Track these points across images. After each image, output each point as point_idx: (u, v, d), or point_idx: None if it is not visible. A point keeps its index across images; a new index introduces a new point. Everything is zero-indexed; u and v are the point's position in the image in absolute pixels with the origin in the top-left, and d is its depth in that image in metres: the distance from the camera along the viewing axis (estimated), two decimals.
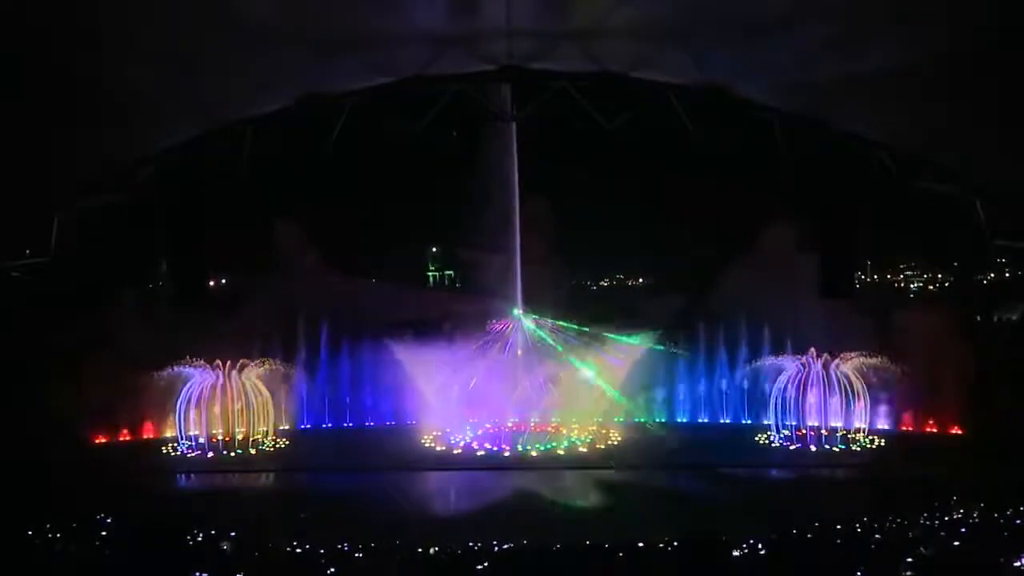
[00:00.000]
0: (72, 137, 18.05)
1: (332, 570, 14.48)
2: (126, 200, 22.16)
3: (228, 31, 15.66)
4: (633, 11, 16.95)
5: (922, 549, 14.21)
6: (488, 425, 34.53)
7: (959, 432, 33.29)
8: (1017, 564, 13.23)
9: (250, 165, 21.79)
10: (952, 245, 41.89)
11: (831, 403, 33.07)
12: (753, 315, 36.75)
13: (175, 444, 33.03)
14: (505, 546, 16.39)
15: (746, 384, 36.99)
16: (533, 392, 34.96)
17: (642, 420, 36.34)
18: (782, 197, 28.85)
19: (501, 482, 28.17)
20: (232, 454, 32.76)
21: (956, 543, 14.91)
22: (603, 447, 33.09)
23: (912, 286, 54.54)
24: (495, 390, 35.05)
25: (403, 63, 20.09)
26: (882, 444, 32.36)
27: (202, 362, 33.38)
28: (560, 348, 35.46)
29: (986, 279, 47.22)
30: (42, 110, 16.37)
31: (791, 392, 33.09)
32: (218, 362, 33.49)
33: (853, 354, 33.02)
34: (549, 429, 34.26)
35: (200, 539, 16.03)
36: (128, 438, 34.81)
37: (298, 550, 16.12)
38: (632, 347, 35.59)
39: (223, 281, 44.05)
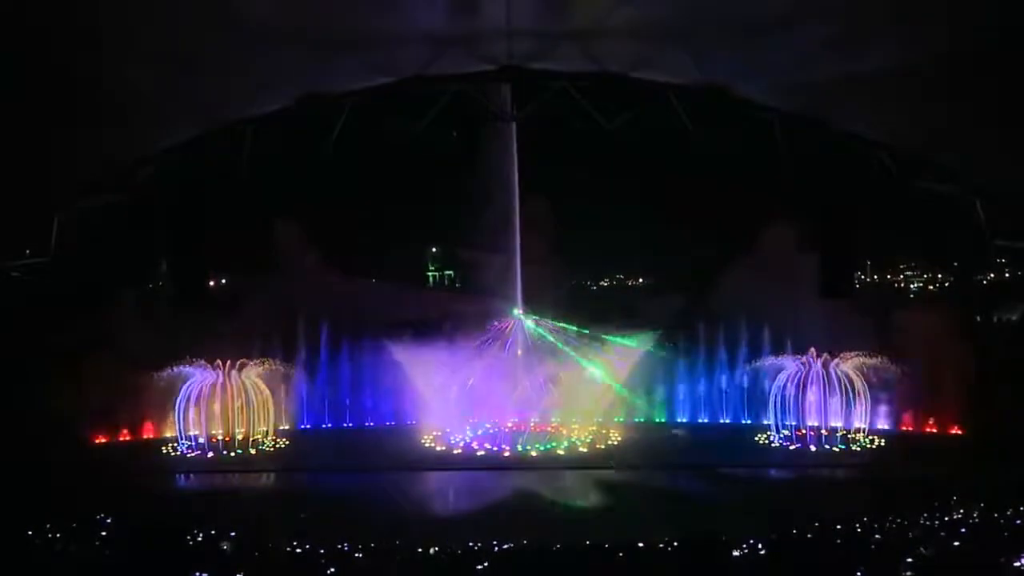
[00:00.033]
0: (72, 137, 18.06)
1: (332, 570, 14.47)
2: (126, 200, 22.17)
3: (228, 31, 15.67)
4: (633, 11, 16.95)
5: (922, 549, 14.19)
6: (488, 425, 34.53)
7: (959, 432, 33.28)
8: (1017, 564, 13.22)
9: (250, 165, 21.80)
10: (952, 245, 41.89)
11: (831, 403, 33.07)
12: (753, 315, 36.75)
13: (175, 444, 33.02)
14: (505, 546, 16.36)
15: (746, 384, 36.99)
16: (533, 392, 34.97)
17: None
18: (782, 197, 28.85)
19: (501, 482, 28.16)
20: (232, 454, 32.75)
21: (956, 543, 14.89)
22: (603, 447, 33.10)
23: (912, 286, 54.53)
24: (495, 390, 35.04)
25: (403, 63, 20.10)
26: (882, 444, 32.34)
27: (202, 362, 33.39)
28: (561, 345, 35.47)
29: (986, 279, 47.20)
30: (42, 110, 16.38)
31: (791, 392, 33.09)
32: (218, 362, 33.49)
33: (853, 354, 33.01)
34: (549, 429, 34.27)
35: (200, 539, 16.01)
36: (128, 438, 34.79)
37: (298, 550, 16.10)
38: (631, 349, 35.57)
39: (223, 281, 44.05)
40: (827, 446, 31.99)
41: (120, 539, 15.80)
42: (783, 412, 33.25)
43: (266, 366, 34.64)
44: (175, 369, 33.11)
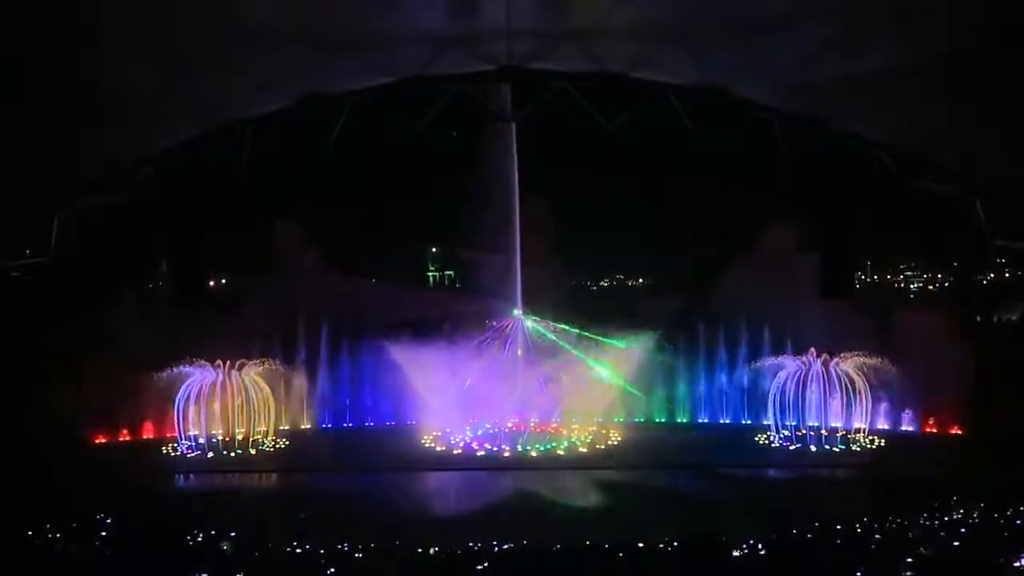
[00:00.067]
0: (72, 137, 18.06)
1: (332, 570, 14.47)
2: (126, 200, 22.16)
3: (228, 31, 15.66)
4: (633, 11, 16.95)
5: (922, 549, 14.20)
6: (488, 425, 34.52)
7: (959, 432, 33.29)
8: (1017, 564, 13.23)
9: (250, 165, 21.79)
10: (952, 245, 41.88)
11: (831, 403, 33.07)
12: (753, 315, 36.75)
13: (175, 444, 33.02)
14: (505, 546, 16.38)
15: (746, 384, 36.98)
16: (533, 392, 34.97)
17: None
18: (782, 197, 28.83)
19: (501, 482, 28.18)
20: (232, 454, 32.75)
21: (956, 543, 14.90)
22: (603, 447, 33.10)
23: (912, 286, 54.52)
24: (495, 390, 35.04)
25: (403, 63, 20.09)
26: (882, 444, 32.35)
27: (203, 362, 33.38)
28: (563, 344, 35.47)
29: (986, 279, 47.20)
30: (42, 110, 16.37)
31: (790, 391, 33.08)
32: (219, 362, 33.48)
33: (853, 354, 33.01)
34: (549, 429, 34.27)
35: (200, 539, 16.02)
36: (128, 438, 34.79)
37: (298, 550, 16.12)
38: (630, 350, 35.56)
39: (223, 281, 44.04)
40: (827, 446, 31.99)
41: (120, 539, 15.81)
42: (783, 412, 33.26)
43: (266, 366, 34.65)
44: (175, 369, 33.13)
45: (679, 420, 38.26)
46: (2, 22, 13.49)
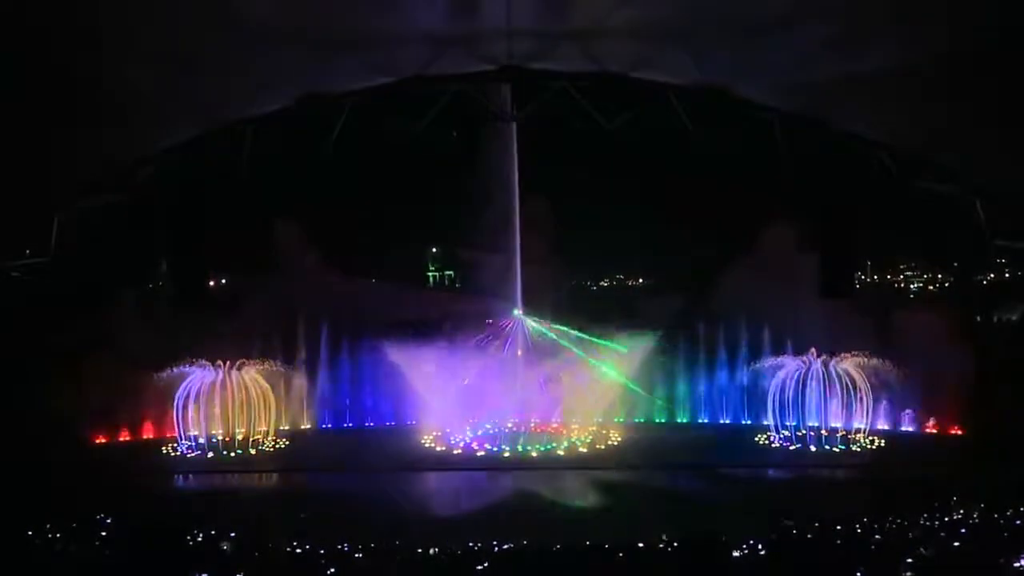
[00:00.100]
0: (72, 137, 18.04)
1: (332, 570, 14.48)
2: (126, 200, 22.13)
3: (228, 31, 15.65)
4: (633, 11, 16.93)
5: (922, 550, 14.20)
6: (488, 425, 34.52)
7: (959, 432, 33.29)
8: (1017, 565, 13.23)
9: (250, 165, 21.76)
10: (952, 245, 41.87)
11: (831, 404, 33.07)
12: (753, 315, 36.75)
13: (175, 444, 33.02)
14: (505, 546, 16.38)
15: (746, 384, 36.97)
16: (533, 392, 34.97)
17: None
18: (782, 197, 28.85)
19: (501, 482, 28.19)
20: (232, 454, 32.75)
21: (956, 544, 14.90)
22: (603, 447, 33.09)
23: (912, 286, 54.54)
24: (494, 390, 35.04)
25: (403, 63, 20.08)
26: (882, 444, 32.35)
27: (204, 362, 33.38)
28: (565, 343, 35.48)
29: (986, 279, 47.21)
30: (42, 110, 16.36)
31: (789, 391, 33.07)
32: (219, 362, 33.48)
33: (852, 354, 33.01)
34: (549, 429, 34.26)
35: (200, 539, 16.02)
36: (128, 438, 34.81)
37: (298, 550, 16.12)
38: (629, 352, 35.57)
39: (223, 281, 44.05)
40: (827, 446, 31.99)
41: (120, 539, 15.81)
42: (783, 412, 33.25)
43: (266, 366, 34.66)
44: (175, 369, 33.13)
45: (679, 420, 38.27)
46: (2, 22, 13.49)
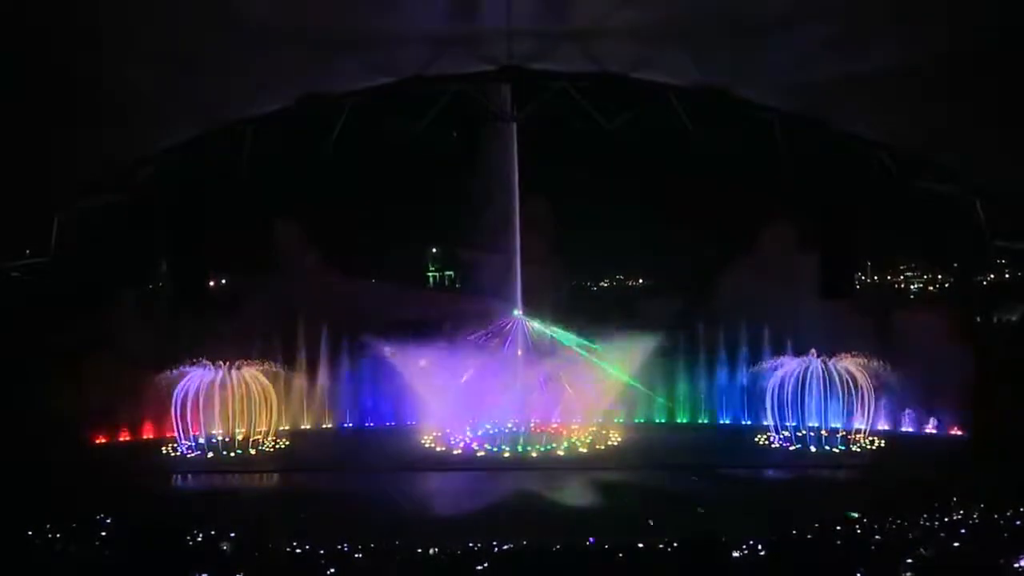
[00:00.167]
0: (72, 137, 18.02)
1: (332, 570, 14.48)
2: (126, 200, 22.09)
3: (228, 31, 15.63)
4: (633, 12, 16.92)
5: (922, 550, 14.19)
6: (488, 426, 34.52)
7: (959, 433, 33.29)
8: (1017, 565, 13.22)
9: (250, 165, 21.73)
10: (952, 245, 41.93)
11: (831, 404, 33.06)
12: (753, 316, 36.75)
13: (175, 444, 33.02)
14: (505, 546, 16.38)
15: (746, 383, 36.97)
16: (533, 392, 34.96)
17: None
18: (782, 197, 28.87)
19: (501, 482, 28.18)
20: (232, 454, 32.75)
21: (956, 544, 14.91)
22: (603, 447, 33.09)
23: (912, 286, 54.57)
24: (494, 390, 35.03)
25: (403, 63, 20.06)
26: (882, 445, 32.34)
27: (204, 361, 33.39)
28: (566, 342, 35.47)
29: (986, 280, 47.22)
30: (42, 110, 16.34)
31: (788, 391, 33.05)
32: (219, 362, 33.47)
33: (853, 354, 33.00)
34: (549, 429, 34.26)
35: (200, 539, 16.02)
36: (128, 438, 34.81)
37: (298, 550, 16.12)
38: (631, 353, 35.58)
39: (223, 281, 44.07)
40: (827, 447, 31.99)
41: (120, 539, 15.81)
42: (783, 413, 33.24)
43: (266, 366, 34.65)
44: (175, 370, 33.12)
45: (679, 420, 38.26)
46: (2, 22, 13.49)
